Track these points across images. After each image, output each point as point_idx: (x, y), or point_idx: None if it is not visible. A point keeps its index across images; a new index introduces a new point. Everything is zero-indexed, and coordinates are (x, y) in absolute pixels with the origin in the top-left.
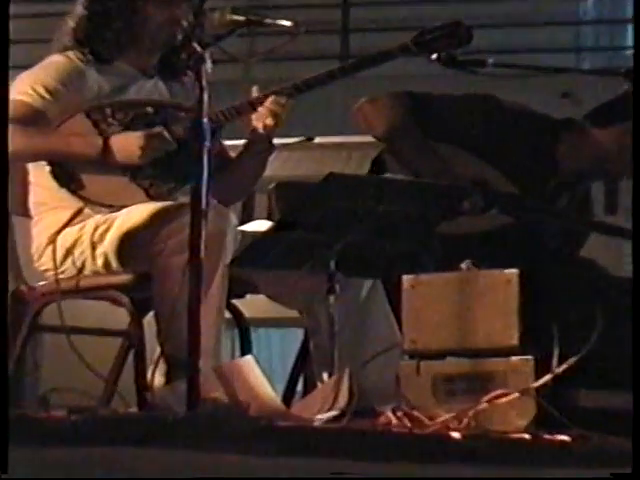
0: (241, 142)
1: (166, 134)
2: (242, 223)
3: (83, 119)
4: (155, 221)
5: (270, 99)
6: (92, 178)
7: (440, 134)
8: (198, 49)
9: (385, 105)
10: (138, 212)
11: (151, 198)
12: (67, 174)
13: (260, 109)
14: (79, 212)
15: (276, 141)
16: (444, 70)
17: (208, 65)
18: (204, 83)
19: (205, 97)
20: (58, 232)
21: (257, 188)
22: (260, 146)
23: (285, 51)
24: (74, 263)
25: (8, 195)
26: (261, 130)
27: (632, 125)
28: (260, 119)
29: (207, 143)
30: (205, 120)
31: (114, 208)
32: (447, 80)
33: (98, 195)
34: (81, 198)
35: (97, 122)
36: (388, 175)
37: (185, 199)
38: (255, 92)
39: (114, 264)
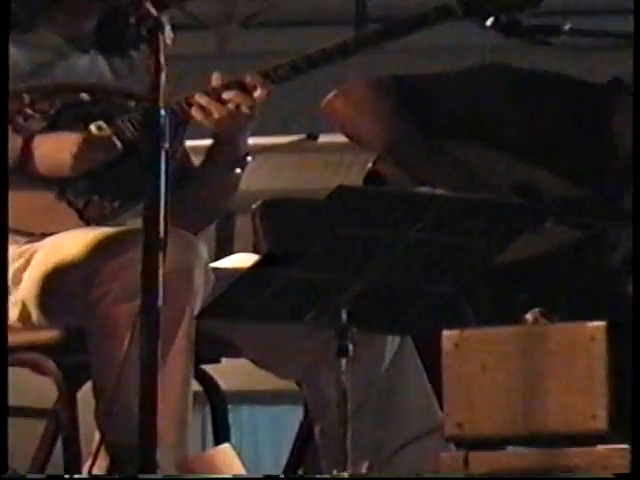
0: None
1: (108, 132)
2: (217, 258)
3: None
4: (93, 255)
5: (246, 81)
6: (12, 196)
7: (449, 129)
8: (152, 11)
9: (366, 100)
10: (69, 242)
11: (87, 222)
12: None
13: (228, 98)
14: None
15: (258, 141)
16: (502, 40)
17: (168, 34)
18: (162, 60)
19: (163, 79)
20: None
21: (236, 208)
22: (228, 151)
23: (278, 13)
24: None
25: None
26: (226, 128)
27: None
28: (225, 113)
29: (166, 145)
30: (163, 112)
31: (34, 237)
32: (505, 53)
33: (12, 218)
34: None
35: (11, 115)
36: (424, 189)
37: (135, 224)
38: (216, 77)
39: (35, 315)
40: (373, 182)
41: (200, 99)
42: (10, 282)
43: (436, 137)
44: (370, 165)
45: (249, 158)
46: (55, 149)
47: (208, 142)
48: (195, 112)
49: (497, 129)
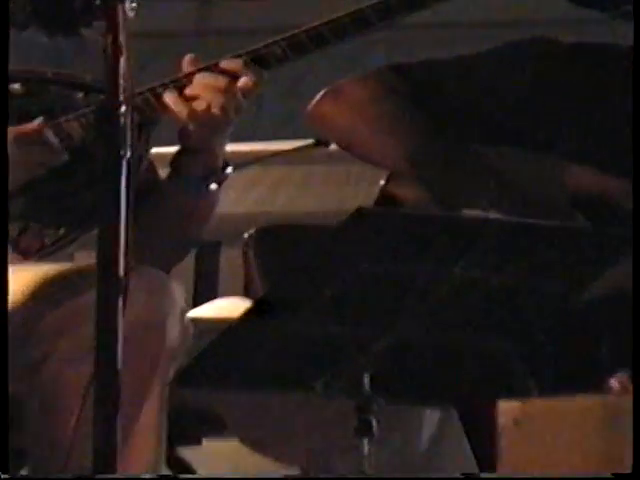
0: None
1: (50, 136)
2: (195, 304)
3: None
4: (31, 302)
5: (224, 66)
6: None
7: (476, 129)
8: None
9: (365, 101)
10: None
11: (22, 256)
12: None
13: (200, 90)
14: None
15: (247, 148)
16: (565, 12)
17: (129, 3)
18: (121, 38)
19: (123, 65)
20: None
21: (221, 236)
22: (201, 160)
23: None
24: None
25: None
26: (194, 128)
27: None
28: (198, 109)
29: (127, 152)
30: (124, 108)
31: None
32: (570, 28)
33: None
34: None
35: None
36: (470, 212)
37: (86, 258)
38: (189, 62)
39: None
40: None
41: (168, 91)
42: None
43: (461, 140)
44: (383, 184)
45: (229, 170)
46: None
47: (174, 149)
48: (164, 107)
49: (540, 122)
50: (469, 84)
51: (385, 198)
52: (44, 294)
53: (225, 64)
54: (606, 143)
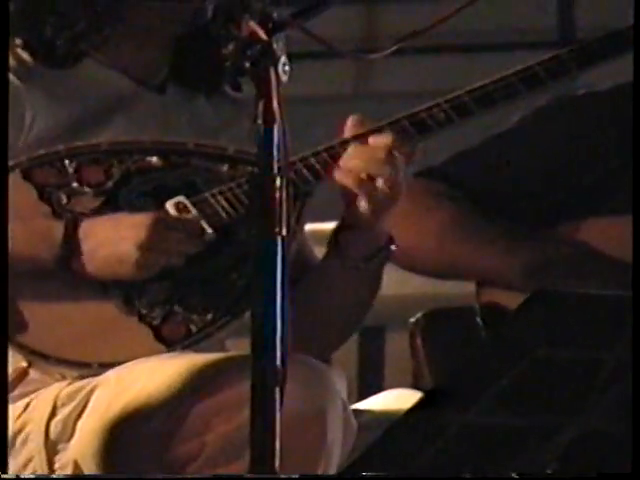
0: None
1: (194, 213)
2: (360, 397)
3: (23, 186)
4: (177, 395)
5: (382, 137)
6: (44, 309)
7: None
8: (260, 34)
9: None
10: (142, 377)
11: (166, 345)
12: None
13: (356, 158)
14: (19, 378)
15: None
16: None
17: (283, 66)
18: (275, 104)
19: (276, 132)
20: None
21: (385, 321)
22: (364, 237)
23: (442, 33)
24: None
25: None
26: (365, 205)
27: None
28: (361, 179)
29: (283, 230)
30: (279, 182)
31: (89, 370)
32: None
33: (56, 343)
34: (21, 350)
35: (48, 191)
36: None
37: (238, 347)
38: (353, 124)
39: None
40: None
41: (329, 160)
42: (54, 435)
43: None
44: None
45: (393, 247)
46: (114, 238)
47: (329, 226)
48: (323, 179)
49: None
50: (507, 170)
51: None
52: (191, 386)
53: (373, 140)
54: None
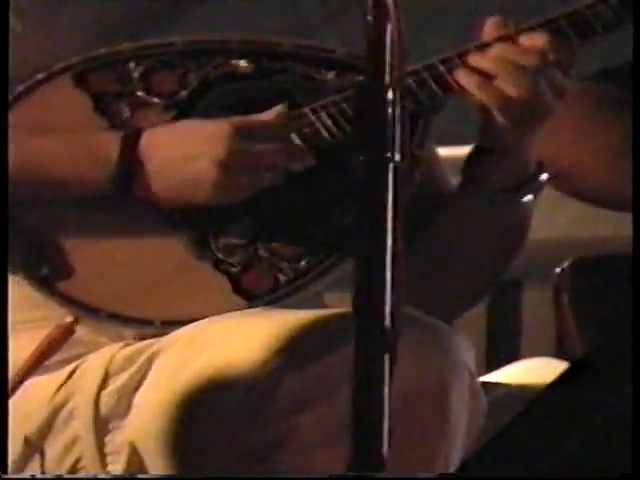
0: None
1: (288, 129)
2: (489, 366)
3: (75, 93)
4: (264, 364)
5: (534, 38)
6: (94, 248)
7: None
8: None
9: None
10: (217, 340)
11: (248, 299)
12: (33, 244)
13: (497, 65)
14: (62, 338)
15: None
16: None
17: None
18: None
19: (390, 33)
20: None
21: (523, 272)
22: (511, 162)
23: None
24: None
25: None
26: (509, 122)
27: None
28: (502, 90)
29: (396, 156)
30: (391, 94)
31: (151, 328)
32: None
33: (110, 293)
34: (65, 301)
35: (107, 101)
36: None
37: (336, 302)
38: (494, 25)
39: (152, 466)
40: None
41: (458, 68)
42: (106, 410)
43: None
44: None
45: (544, 176)
46: (186, 153)
47: (464, 150)
48: (452, 90)
49: None
50: None
51: None
52: (282, 353)
53: (527, 40)
54: None
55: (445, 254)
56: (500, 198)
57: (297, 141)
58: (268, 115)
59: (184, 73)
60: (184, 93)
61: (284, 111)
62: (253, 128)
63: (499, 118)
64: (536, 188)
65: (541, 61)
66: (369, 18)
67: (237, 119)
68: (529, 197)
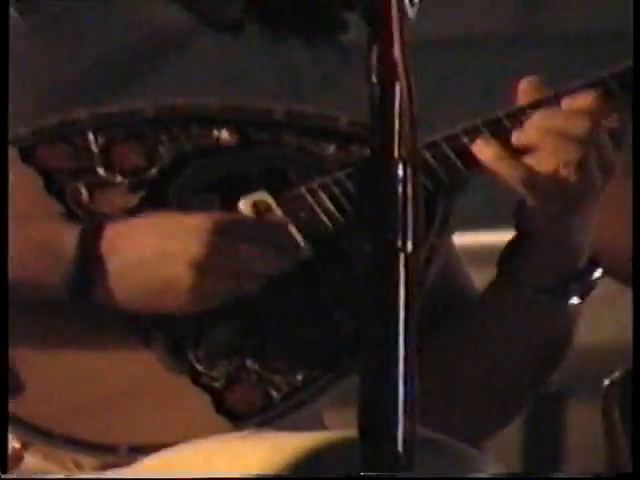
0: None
1: (281, 216)
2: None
3: (23, 171)
4: None
5: (578, 100)
6: (48, 361)
7: None
8: None
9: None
10: (200, 470)
11: (233, 417)
12: None
13: (534, 134)
14: (11, 464)
15: None
16: None
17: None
18: (396, 51)
19: (399, 96)
20: None
21: (564, 385)
22: (550, 255)
23: None
24: None
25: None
26: (537, 203)
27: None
28: (538, 166)
29: (408, 245)
30: (401, 171)
31: (116, 454)
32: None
33: (66, 414)
34: (13, 423)
35: (61, 181)
36: None
37: (341, 426)
38: (529, 88)
39: None
40: None
41: (483, 138)
42: None
43: None
44: None
45: (597, 273)
46: (157, 253)
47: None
48: (478, 166)
49: None
50: None
51: None
52: None
53: (571, 102)
54: None
55: (470, 365)
56: (542, 299)
57: (292, 228)
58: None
59: (154, 145)
60: (154, 170)
61: (267, 198)
62: (237, 225)
63: (534, 201)
64: (586, 287)
65: (592, 126)
66: (374, 79)
67: (218, 214)
68: (576, 299)
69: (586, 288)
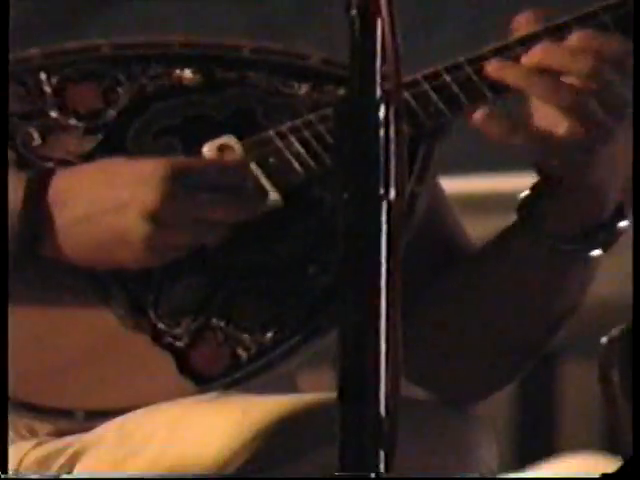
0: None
1: (247, 161)
2: (520, 463)
3: None
4: (229, 466)
5: (581, 34)
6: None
7: None
8: None
9: None
10: (160, 437)
11: (197, 379)
12: None
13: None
14: None
15: None
16: None
17: None
18: None
19: (382, 33)
20: None
21: (560, 344)
22: (573, 202)
23: None
24: None
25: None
26: (555, 145)
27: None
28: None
29: (389, 190)
30: (383, 111)
31: (72, 419)
32: None
33: (19, 378)
34: None
35: (12, 124)
36: None
37: (313, 385)
38: (529, 21)
39: None
40: None
41: (495, 66)
42: None
43: None
44: None
45: (624, 223)
46: (110, 202)
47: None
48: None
49: None
50: None
51: None
52: (245, 453)
53: (576, 40)
54: None
55: (467, 317)
56: (564, 247)
57: (259, 175)
58: (218, 155)
59: (111, 86)
60: (112, 112)
61: (233, 142)
62: (196, 171)
63: (553, 143)
64: (610, 238)
65: (600, 60)
66: (353, 13)
67: (176, 159)
68: (598, 251)
69: (610, 239)
